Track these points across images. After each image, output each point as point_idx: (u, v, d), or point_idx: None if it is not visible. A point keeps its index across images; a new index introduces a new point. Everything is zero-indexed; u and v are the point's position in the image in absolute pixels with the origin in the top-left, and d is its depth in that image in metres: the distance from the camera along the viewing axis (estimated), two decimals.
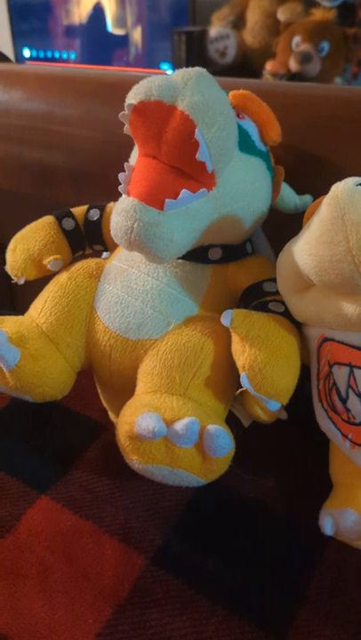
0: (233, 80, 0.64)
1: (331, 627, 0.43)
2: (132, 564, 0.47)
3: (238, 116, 0.50)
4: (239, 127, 0.49)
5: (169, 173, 0.45)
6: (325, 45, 1.61)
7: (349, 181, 0.41)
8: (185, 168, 0.45)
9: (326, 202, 0.41)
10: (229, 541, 0.50)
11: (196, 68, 0.45)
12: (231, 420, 0.54)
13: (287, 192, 0.55)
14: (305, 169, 0.59)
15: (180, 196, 0.45)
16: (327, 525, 0.47)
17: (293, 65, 1.62)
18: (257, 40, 1.78)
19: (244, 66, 1.81)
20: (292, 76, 1.59)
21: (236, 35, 1.81)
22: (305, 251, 0.43)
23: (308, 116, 0.61)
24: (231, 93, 0.51)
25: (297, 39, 1.62)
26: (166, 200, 0.45)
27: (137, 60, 2.08)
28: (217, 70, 1.78)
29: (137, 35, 2.05)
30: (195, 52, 1.80)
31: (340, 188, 0.40)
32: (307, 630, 0.43)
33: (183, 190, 0.45)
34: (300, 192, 0.57)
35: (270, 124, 0.51)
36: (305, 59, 1.55)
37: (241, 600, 0.45)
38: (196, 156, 0.43)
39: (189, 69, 0.45)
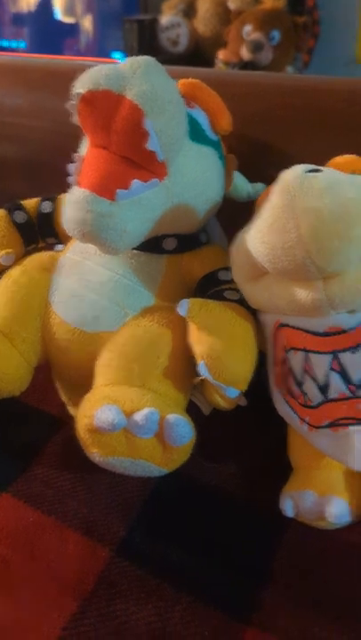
0: (183, 69, 0.64)
1: (294, 606, 0.44)
2: (97, 557, 0.47)
3: (188, 105, 0.50)
4: (189, 116, 0.48)
5: (119, 163, 0.45)
6: (276, 34, 1.61)
7: (299, 168, 0.41)
8: (135, 158, 0.45)
9: (276, 189, 0.41)
10: (193, 529, 0.50)
11: (145, 57, 0.45)
12: (192, 409, 0.54)
13: (240, 181, 0.55)
14: (257, 157, 0.59)
15: (131, 186, 0.45)
16: (288, 507, 0.48)
17: (245, 54, 1.62)
18: (208, 29, 1.77)
19: (197, 55, 1.80)
20: (245, 65, 1.59)
21: (188, 23, 1.80)
22: (257, 239, 0.43)
23: (259, 105, 0.62)
24: (180, 82, 0.51)
25: (248, 28, 1.62)
26: (118, 190, 0.44)
27: (88, 48, 2.05)
28: (169, 59, 1.77)
29: (87, 23, 2.02)
30: (146, 41, 1.78)
31: (290, 176, 0.41)
32: (271, 611, 0.44)
33: (134, 180, 0.44)
34: (252, 180, 0.57)
35: (220, 112, 0.52)
36: (256, 47, 1.56)
37: (205, 587, 0.45)
38: (146, 145, 0.43)
39: (138, 58, 0.45)
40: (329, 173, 0.41)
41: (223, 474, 0.55)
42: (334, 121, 0.59)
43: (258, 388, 0.51)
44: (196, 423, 0.48)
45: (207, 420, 0.55)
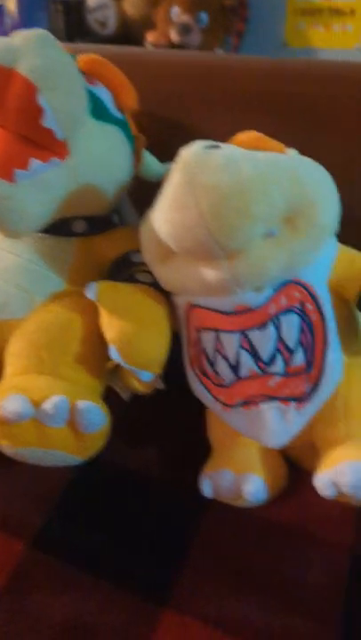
0: (94, 46, 0.62)
1: (212, 583, 0.44)
2: (11, 552, 0.46)
3: (89, 81, 0.48)
4: (90, 93, 0.47)
5: (16, 143, 0.43)
6: (204, 16, 1.60)
7: (197, 145, 0.41)
8: (32, 136, 0.43)
9: (176, 167, 0.41)
10: (113, 516, 0.49)
11: (38, 30, 0.43)
12: (112, 395, 0.53)
13: (150, 160, 0.54)
14: (169, 137, 0.58)
15: (30, 166, 0.43)
16: (206, 488, 0.48)
17: (174, 36, 1.60)
18: (137, 11, 1.74)
19: (126, 37, 1.76)
20: (174, 48, 1.57)
21: (116, 5, 1.76)
22: (160, 218, 0.43)
23: (171, 84, 0.60)
24: (80, 58, 0.49)
25: (176, 10, 1.60)
26: (16, 171, 0.43)
27: (14, 30, 1.98)
28: (98, 42, 1.73)
29: (11, 4, 1.94)
30: (73, 23, 1.74)
31: (189, 152, 0.40)
32: (189, 591, 0.43)
33: (33, 160, 0.43)
34: (165, 160, 0.56)
35: (124, 89, 0.50)
36: (184, 30, 1.54)
37: (126, 573, 0.45)
38: (41, 122, 0.41)
39: (30, 31, 0.43)
40: (227, 149, 0.41)
41: (144, 458, 0.55)
42: (248, 100, 0.58)
43: (176, 371, 0.51)
44: (117, 409, 0.47)
45: (127, 406, 0.54)
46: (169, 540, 0.47)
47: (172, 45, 1.61)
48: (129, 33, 1.81)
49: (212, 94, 0.60)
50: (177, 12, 1.61)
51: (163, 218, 0.42)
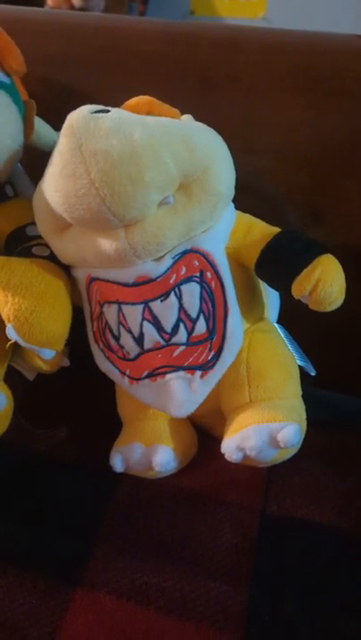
0: None
1: (126, 557, 0.44)
2: None
3: None
4: None
5: None
6: None
7: (84, 109, 0.39)
8: None
9: (63, 132, 0.39)
10: (22, 499, 0.48)
11: None
12: (15, 376, 0.51)
13: (43, 128, 0.52)
14: (63, 102, 0.55)
15: None
16: (117, 462, 0.48)
17: (76, 0, 1.54)
18: None
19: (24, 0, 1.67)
20: None
21: None
22: (51, 187, 0.41)
23: (63, 46, 0.58)
24: None
25: None
26: None
27: None
28: None
29: None
30: None
31: (75, 117, 0.38)
32: (101, 568, 0.43)
33: None
34: (58, 128, 0.54)
35: (8, 50, 0.47)
36: None
37: (35, 555, 0.44)
38: None
39: None
40: (116, 113, 0.39)
41: (54, 439, 0.53)
42: (143, 63, 0.56)
43: (81, 347, 0.49)
44: (21, 389, 0.45)
45: (33, 386, 0.52)
46: (80, 518, 0.47)
47: (74, 10, 1.55)
48: None
49: (106, 57, 0.57)
50: None
51: (53, 187, 0.40)
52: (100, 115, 0.39)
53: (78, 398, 0.57)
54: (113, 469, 0.48)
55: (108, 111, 0.40)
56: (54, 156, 0.40)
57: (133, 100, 0.44)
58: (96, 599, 0.41)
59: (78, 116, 0.38)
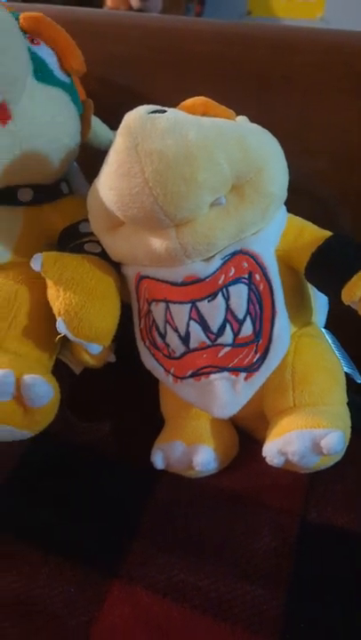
0: (39, 6, 0.59)
1: (164, 554, 0.44)
2: None
3: (32, 41, 0.46)
4: (33, 54, 0.45)
5: None
6: None
7: (141, 109, 0.40)
8: None
9: (119, 132, 0.39)
10: (64, 490, 0.49)
11: None
12: (63, 369, 0.52)
13: (99, 127, 0.53)
14: (119, 102, 0.56)
15: None
16: (158, 460, 0.48)
17: (134, 2, 1.56)
18: None
19: (84, 1, 1.71)
20: None
21: None
22: (106, 185, 0.41)
23: (121, 47, 0.58)
24: (22, 16, 0.47)
25: None
26: None
27: None
28: (55, 3, 1.67)
29: None
30: None
31: (132, 117, 0.39)
32: (141, 561, 0.44)
33: None
34: (115, 127, 0.54)
35: (70, 51, 0.48)
36: None
37: (75, 546, 0.45)
38: None
39: None
40: (172, 114, 0.40)
41: (97, 432, 0.54)
42: (199, 64, 0.57)
43: (129, 343, 0.50)
44: (68, 382, 0.46)
45: (80, 379, 0.53)
46: (120, 512, 0.47)
47: (132, 11, 1.56)
48: None
49: (162, 58, 0.58)
50: None
51: (108, 185, 0.41)
52: (157, 115, 0.39)
53: (123, 394, 0.57)
54: (154, 466, 0.49)
55: (165, 111, 0.40)
56: (110, 155, 0.41)
57: (189, 101, 0.44)
58: (133, 593, 0.41)
59: (135, 116, 0.39)
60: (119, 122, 0.55)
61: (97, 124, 0.52)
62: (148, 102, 0.57)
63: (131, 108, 0.57)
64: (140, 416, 0.55)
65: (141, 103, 0.56)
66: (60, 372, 0.52)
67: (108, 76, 0.57)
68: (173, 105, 0.47)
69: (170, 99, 0.54)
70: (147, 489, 0.49)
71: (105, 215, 0.44)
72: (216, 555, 0.44)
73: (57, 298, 0.45)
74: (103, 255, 0.48)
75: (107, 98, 0.56)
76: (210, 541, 0.45)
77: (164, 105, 0.44)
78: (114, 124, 0.55)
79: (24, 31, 0.45)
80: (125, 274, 0.48)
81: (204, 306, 0.44)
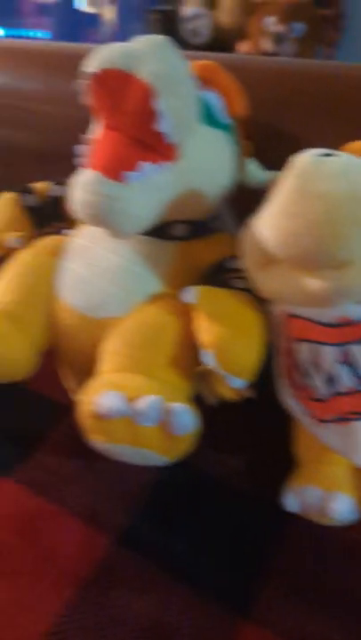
0: (199, 53, 0.63)
1: (292, 602, 0.43)
2: (96, 545, 0.47)
3: (201, 87, 0.49)
4: (202, 99, 0.47)
5: (129, 145, 0.44)
6: (299, 26, 1.59)
7: (312, 152, 0.40)
8: (145, 139, 0.44)
9: (288, 173, 0.40)
10: (195, 521, 0.49)
11: (158, 36, 0.44)
12: (199, 399, 0.53)
13: (253, 167, 0.54)
14: (270, 144, 0.58)
15: (141, 168, 0.44)
16: (291, 503, 0.47)
17: (267, 45, 1.60)
18: (231, 20, 1.76)
19: (217, 46, 1.78)
20: None
21: (211, 14, 1.79)
22: (268, 224, 0.42)
23: (273, 91, 0.60)
24: (195, 64, 0.50)
25: (271, 19, 1.60)
26: (127, 173, 0.44)
27: (110, 39, 2.04)
28: (190, 50, 1.76)
29: (109, 14, 2.01)
30: (168, 32, 1.77)
31: (303, 160, 0.40)
32: (268, 606, 0.43)
33: (144, 163, 0.44)
34: (264, 168, 0.56)
35: (235, 96, 0.50)
36: (278, 39, 1.54)
37: (204, 579, 0.45)
38: (157, 125, 0.42)
39: (151, 37, 0.44)
40: (345, 157, 0.40)
41: (229, 466, 0.54)
42: (349, 108, 0.57)
43: (266, 380, 0.50)
44: (204, 413, 0.47)
45: (216, 411, 0.54)
46: (250, 550, 0.47)
47: (265, 55, 1.61)
48: (219, 42, 1.83)
49: (315, 102, 0.59)
50: (272, 22, 1.61)
51: (271, 224, 0.42)
52: (328, 158, 0.40)
53: (254, 429, 0.57)
54: (283, 508, 0.48)
55: (334, 155, 0.41)
56: (277, 195, 0.42)
57: (355, 144, 0.45)
58: (263, 637, 0.41)
59: (306, 159, 0.40)
60: (270, 163, 0.57)
61: (251, 165, 0.54)
62: (300, 145, 0.58)
63: (283, 150, 0.58)
64: (271, 453, 0.54)
65: (293, 146, 0.57)
66: (196, 401, 0.53)
67: (260, 119, 0.59)
68: (326, 148, 0.47)
69: (322, 142, 0.54)
70: (277, 529, 0.48)
71: (260, 252, 0.45)
72: (347, 606, 0.43)
73: (206, 330, 0.46)
74: (249, 291, 0.48)
75: (259, 140, 0.57)
76: (341, 592, 0.44)
77: (316, 147, 0.45)
78: (263, 164, 0.57)
79: (197, 78, 0.48)
80: (271, 310, 0.48)
81: (355, 349, 0.43)
